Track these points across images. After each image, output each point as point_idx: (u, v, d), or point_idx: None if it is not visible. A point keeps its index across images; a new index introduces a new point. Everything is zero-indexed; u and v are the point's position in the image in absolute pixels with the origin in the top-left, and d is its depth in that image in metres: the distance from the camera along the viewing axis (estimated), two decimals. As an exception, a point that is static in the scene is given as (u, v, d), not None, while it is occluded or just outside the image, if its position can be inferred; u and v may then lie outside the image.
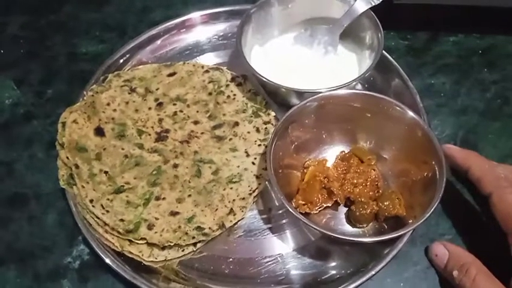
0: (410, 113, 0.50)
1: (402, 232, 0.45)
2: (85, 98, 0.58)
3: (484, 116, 0.61)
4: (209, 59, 0.65)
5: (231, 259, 0.50)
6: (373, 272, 0.47)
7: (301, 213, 0.50)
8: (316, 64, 0.62)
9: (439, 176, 0.46)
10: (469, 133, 0.59)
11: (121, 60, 0.63)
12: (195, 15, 0.67)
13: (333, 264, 0.50)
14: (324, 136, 0.55)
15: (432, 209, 0.45)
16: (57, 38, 0.69)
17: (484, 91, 0.63)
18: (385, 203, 0.49)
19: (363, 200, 0.50)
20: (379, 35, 0.58)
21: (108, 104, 0.58)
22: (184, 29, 0.66)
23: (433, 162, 0.48)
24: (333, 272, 0.50)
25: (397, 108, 0.50)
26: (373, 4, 0.59)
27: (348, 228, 0.51)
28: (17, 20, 0.71)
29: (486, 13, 0.66)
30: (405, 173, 0.51)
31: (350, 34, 0.62)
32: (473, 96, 0.63)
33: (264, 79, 0.55)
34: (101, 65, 0.63)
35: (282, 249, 0.51)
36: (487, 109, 0.61)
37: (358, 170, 0.52)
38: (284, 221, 0.53)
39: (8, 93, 0.63)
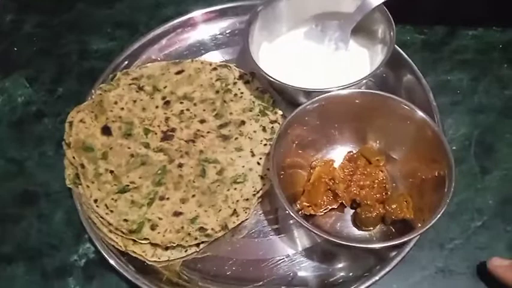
0: (419, 112, 0.48)
1: (407, 238, 0.44)
2: (93, 96, 0.59)
3: (502, 114, 0.58)
4: (217, 56, 0.64)
5: (234, 260, 0.50)
6: (378, 276, 0.46)
7: (306, 215, 0.50)
8: (326, 61, 0.61)
9: (448, 180, 0.45)
10: (485, 133, 0.57)
11: (130, 58, 0.64)
12: (204, 12, 0.66)
13: (340, 266, 0.49)
14: (331, 135, 0.53)
15: (440, 214, 0.43)
16: (70, 36, 0.70)
17: (504, 88, 0.60)
18: (392, 206, 0.48)
19: (369, 202, 0.49)
20: (392, 30, 0.56)
21: (116, 103, 0.58)
22: (193, 26, 0.66)
23: (443, 162, 0.46)
24: (340, 274, 0.49)
25: (405, 107, 0.49)
26: (386, -2, 0.57)
27: (354, 230, 0.50)
28: (32, 19, 0.72)
29: (508, 5, 0.63)
30: (415, 173, 0.50)
31: (361, 29, 0.60)
32: (491, 93, 0.60)
33: (271, 78, 0.54)
34: (111, 63, 0.63)
35: (288, 251, 0.51)
36: (505, 107, 0.59)
37: (365, 172, 0.50)
38: (291, 221, 0.52)
39: (20, 91, 0.65)
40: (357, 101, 0.50)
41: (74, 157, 0.53)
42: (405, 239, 0.44)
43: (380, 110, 0.50)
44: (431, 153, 0.47)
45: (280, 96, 0.59)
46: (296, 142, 0.51)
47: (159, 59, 0.64)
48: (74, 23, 0.72)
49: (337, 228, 0.51)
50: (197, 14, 0.66)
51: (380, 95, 0.50)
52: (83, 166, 0.52)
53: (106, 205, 0.50)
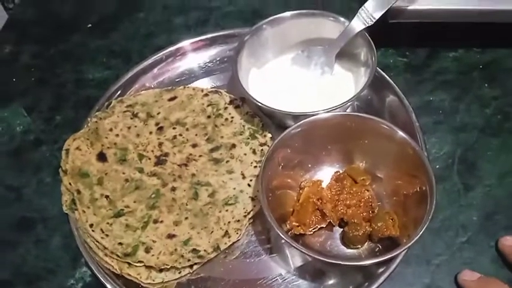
0: (400, 132, 0.50)
1: (393, 254, 0.45)
2: (89, 124, 0.61)
3: (483, 132, 0.60)
4: (209, 82, 0.67)
5: (227, 281, 0.51)
6: (366, 294, 0.48)
7: (296, 235, 0.51)
8: (313, 85, 0.63)
9: (429, 197, 0.46)
10: (467, 151, 0.59)
11: (124, 86, 0.66)
12: (193, 41, 0.69)
13: (331, 282, 0.51)
14: (318, 157, 0.55)
15: (423, 229, 0.45)
16: (66, 65, 0.72)
17: (484, 107, 0.62)
18: (378, 224, 0.50)
19: (355, 221, 0.50)
20: (373, 54, 0.58)
21: (111, 130, 0.60)
22: (184, 55, 0.68)
23: (425, 180, 0.48)
24: (331, 291, 0.50)
25: (386, 127, 0.51)
26: (368, 25, 0.59)
27: (343, 248, 0.52)
28: (29, 49, 0.75)
29: (487, 27, 0.65)
30: (399, 191, 0.52)
31: (345, 53, 0.62)
32: (472, 112, 0.62)
33: (260, 103, 0.57)
34: (106, 91, 0.65)
35: (281, 270, 0.52)
36: (486, 125, 0.61)
37: (351, 191, 0.52)
38: (283, 241, 0.53)
39: (19, 120, 0.67)
40: (339, 123, 0.52)
41: (70, 183, 0.55)
42: (391, 255, 0.45)
43: (362, 131, 0.52)
44: (413, 171, 0.49)
45: (269, 119, 0.62)
46: (283, 164, 0.53)
47: (152, 86, 0.67)
48: (70, 53, 0.74)
49: (327, 246, 0.52)
50: (187, 43, 0.68)
51: (360, 117, 0.52)
52: (79, 192, 0.54)
53: (101, 229, 0.51)
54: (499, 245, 0.50)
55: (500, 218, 0.53)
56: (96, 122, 0.60)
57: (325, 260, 0.47)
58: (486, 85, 0.64)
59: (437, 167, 0.57)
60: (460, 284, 0.48)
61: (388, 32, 0.63)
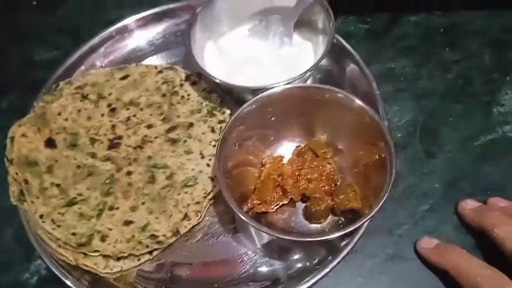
0: (357, 101, 0.49)
1: (354, 227, 0.44)
2: (35, 109, 0.57)
3: (445, 98, 0.59)
4: (163, 59, 0.63)
5: (190, 265, 0.49)
6: (329, 268, 0.47)
7: (258, 213, 0.50)
8: (272, 57, 0.60)
9: (389, 165, 0.45)
10: (429, 117, 0.58)
11: (73, 67, 0.62)
12: (144, 15, 0.65)
13: (296, 257, 0.50)
14: (278, 132, 0.53)
15: (383, 199, 0.44)
16: (10, 46, 0.68)
17: (446, 72, 0.61)
18: (340, 197, 0.49)
19: (317, 195, 0.49)
20: (331, 20, 0.56)
21: (60, 114, 0.57)
22: (135, 29, 0.65)
23: (384, 149, 0.47)
24: (297, 265, 0.49)
25: (343, 97, 0.49)
26: (326, -10, 0.57)
27: (306, 224, 0.51)
28: (-30, 30, 0.70)
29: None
30: (359, 162, 0.51)
31: (304, 21, 0.60)
32: (434, 78, 0.61)
33: (215, 79, 0.54)
34: (54, 72, 0.62)
35: (245, 249, 0.51)
36: (448, 91, 0.60)
37: (312, 165, 0.51)
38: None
39: (-39, 108, 0.62)
40: (297, 96, 0.50)
41: (17, 173, 0.51)
42: (351, 228, 0.44)
43: (320, 102, 0.50)
44: (372, 140, 0.48)
45: (228, 95, 0.59)
46: (241, 143, 0.50)
47: (103, 65, 0.63)
48: (14, 33, 0.69)
49: (291, 223, 0.51)
50: (136, 17, 0.64)
51: (317, 88, 0.50)
52: (26, 182, 0.51)
53: (53, 220, 0.49)
54: (459, 208, 0.50)
55: (462, 184, 0.53)
56: (42, 106, 0.57)
57: (286, 237, 0.46)
58: (447, 50, 0.63)
59: (398, 135, 0.56)
60: (419, 252, 0.48)
61: (348, -2, 0.61)
